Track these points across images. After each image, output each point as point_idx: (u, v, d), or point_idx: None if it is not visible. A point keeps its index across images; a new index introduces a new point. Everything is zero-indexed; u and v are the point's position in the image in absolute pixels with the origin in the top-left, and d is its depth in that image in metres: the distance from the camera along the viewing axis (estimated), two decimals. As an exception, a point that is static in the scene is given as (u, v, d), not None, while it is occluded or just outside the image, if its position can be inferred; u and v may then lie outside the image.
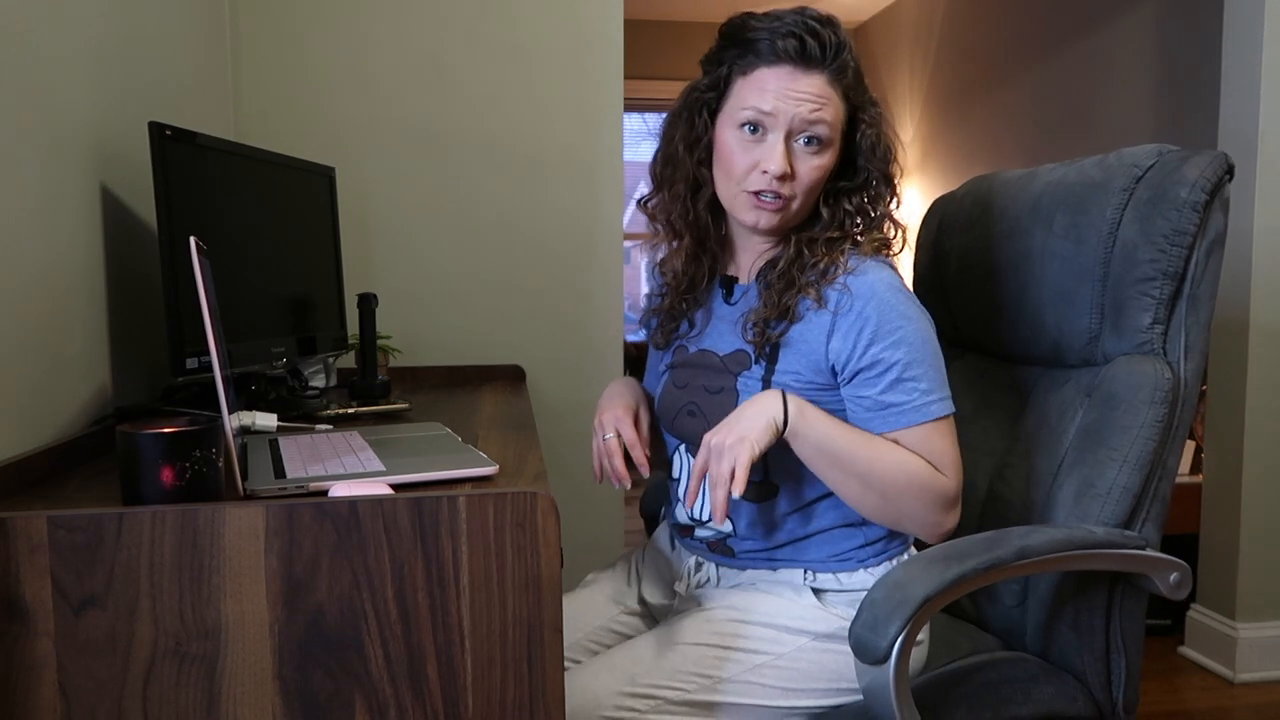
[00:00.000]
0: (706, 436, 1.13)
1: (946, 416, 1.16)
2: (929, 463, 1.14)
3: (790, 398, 1.13)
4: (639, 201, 1.33)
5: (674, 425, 1.30)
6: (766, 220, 1.19)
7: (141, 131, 1.30)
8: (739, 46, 1.18)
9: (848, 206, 1.21)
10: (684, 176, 1.24)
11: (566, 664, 1.31)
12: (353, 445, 1.22)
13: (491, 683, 0.92)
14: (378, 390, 1.62)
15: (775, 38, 1.15)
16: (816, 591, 1.21)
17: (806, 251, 1.20)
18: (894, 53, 5.73)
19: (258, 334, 1.47)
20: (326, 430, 1.38)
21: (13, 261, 1.09)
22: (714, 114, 1.22)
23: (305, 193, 1.73)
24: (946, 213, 1.59)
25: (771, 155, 1.15)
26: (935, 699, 1.18)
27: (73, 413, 1.23)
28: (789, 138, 1.16)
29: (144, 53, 1.51)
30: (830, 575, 1.21)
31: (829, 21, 1.17)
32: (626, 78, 2.13)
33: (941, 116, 5.18)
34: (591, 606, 1.38)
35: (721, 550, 1.27)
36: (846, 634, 1.13)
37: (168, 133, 1.27)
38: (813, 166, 1.17)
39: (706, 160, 1.23)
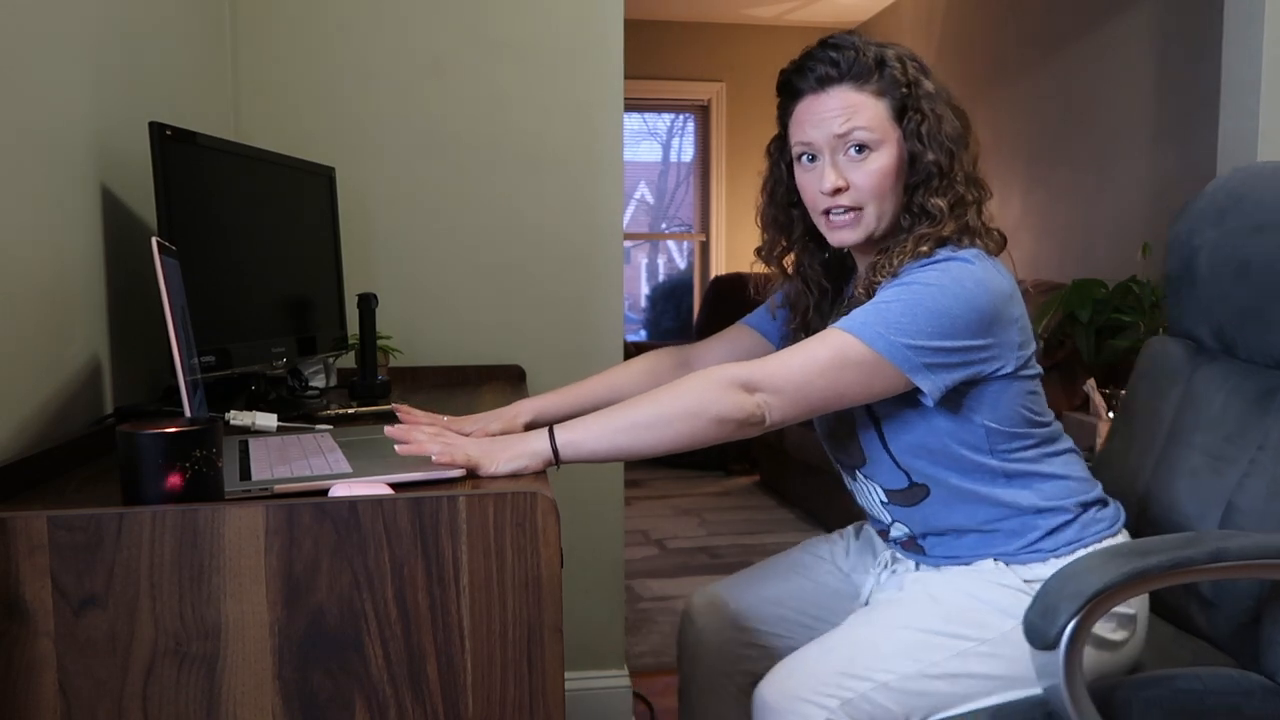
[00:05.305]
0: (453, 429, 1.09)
1: (857, 341, 1.13)
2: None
3: (557, 434, 1.11)
4: (757, 251, 1.42)
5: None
6: (848, 236, 1.25)
7: (141, 131, 1.30)
8: (781, 95, 1.30)
9: (914, 208, 1.23)
10: (770, 220, 1.38)
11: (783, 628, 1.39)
12: (322, 446, 1.21)
13: (491, 683, 0.92)
14: (378, 390, 1.62)
15: (795, 76, 1.25)
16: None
17: (877, 266, 1.23)
18: (894, 53, 5.72)
19: (258, 334, 1.47)
20: (326, 430, 1.38)
21: (13, 261, 1.09)
22: (789, 163, 1.31)
23: (305, 193, 1.73)
24: (1196, 208, 1.48)
25: (823, 175, 1.23)
26: (1127, 699, 1.13)
27: (73, 413, 1.23)
28: (834, 155, 1.23)
29: (144, 53, 1.50)
30: (1023, 566, 1.21)
31: (837, 40, 1.23)
32: (626, 78, 2.13)
33: (941, 117, 5.16)
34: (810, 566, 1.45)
35: (915, 549, 1.31)
36: None
37: (168, 133, 1.27)
38: (867, 172, 1.22)
39: (797, 201, 1.32)
